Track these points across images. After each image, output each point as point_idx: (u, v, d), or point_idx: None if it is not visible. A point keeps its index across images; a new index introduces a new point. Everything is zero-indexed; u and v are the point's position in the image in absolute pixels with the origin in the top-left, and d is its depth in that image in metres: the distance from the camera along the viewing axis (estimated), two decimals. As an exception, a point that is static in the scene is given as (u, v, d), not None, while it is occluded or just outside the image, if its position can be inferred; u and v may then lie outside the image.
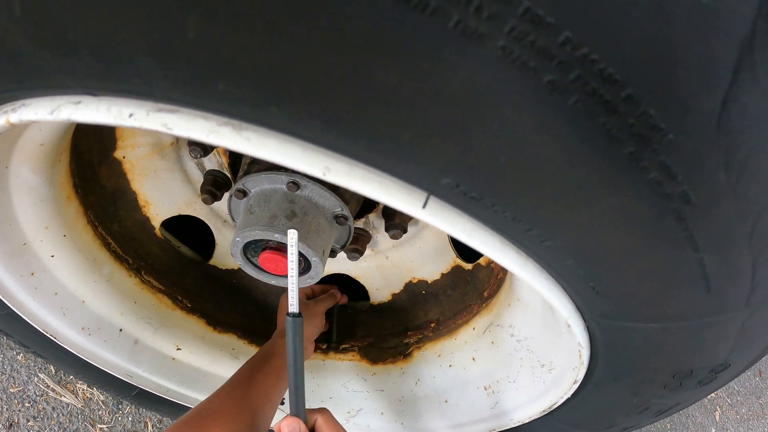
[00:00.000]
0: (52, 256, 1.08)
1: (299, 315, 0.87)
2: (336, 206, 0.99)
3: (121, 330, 1.24)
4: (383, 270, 1.33)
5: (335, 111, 0.44)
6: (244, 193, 0.98)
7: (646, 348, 0.80)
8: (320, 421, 0.91)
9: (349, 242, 1.10)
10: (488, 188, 0.50)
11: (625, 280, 0.63)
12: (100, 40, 0.43)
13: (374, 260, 1.31)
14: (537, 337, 1.06)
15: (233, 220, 1.05)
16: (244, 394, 0.99)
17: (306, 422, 0.89)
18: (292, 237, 0.85)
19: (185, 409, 1.38)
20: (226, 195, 1.15)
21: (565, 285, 0.68)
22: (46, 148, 0.85)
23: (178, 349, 1.29)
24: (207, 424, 0.93)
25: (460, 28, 0.38)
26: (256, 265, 1.00)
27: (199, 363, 1.31)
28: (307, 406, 0.90)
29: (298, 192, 0.96)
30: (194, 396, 1.34)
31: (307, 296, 1.34)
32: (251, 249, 0.97)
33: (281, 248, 0.95)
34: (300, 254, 0.95)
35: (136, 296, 1.24)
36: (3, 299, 1.09)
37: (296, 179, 0.94)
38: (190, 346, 1.30)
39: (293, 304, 0.86)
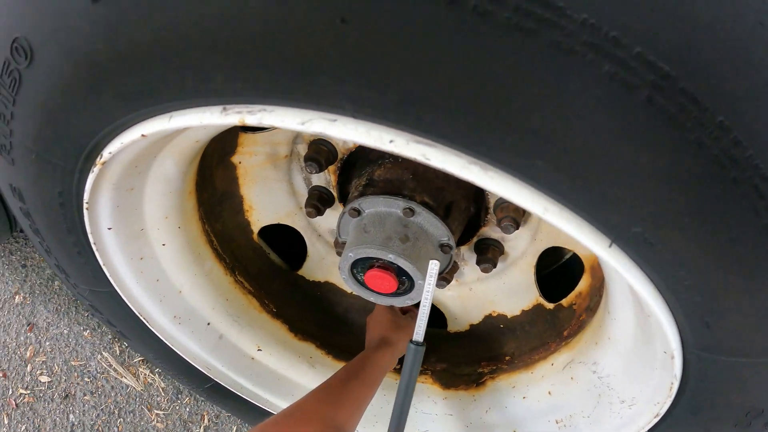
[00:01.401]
0: (164, 245, 1.13)
1: (423, 344, 0.88)
2: (444, 235, 1.03)
3: (209, 324, 1.28)
4: (465, 300, 1.36)
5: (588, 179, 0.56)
6: (358, 213, 1.02)
7: (733, 383, 0.84)
8: None
9: (446, 271, 1.13)
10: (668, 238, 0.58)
11: (738, 316, 0.70)
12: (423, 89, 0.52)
13: (458, 290, 1.34)
14: (620, 374, 1.09)
15: (339, 235, 1.09)
16: (336, 401, 1.02)
17: None
18: (433, 267, 0.89)
19: (253, 407, 1.41)
20: (328, 211, 1.20)
21: (682, 319, 0.73)
22: (197, 146, 0.89)
23: (259, 349, 1.33)
24: (297, 425, 0.96)
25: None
26: (359, 281, 1.04)
27: (276, 366, 1.35)
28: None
29: (412, 218, 0.99)
30: (266, 397, 1.38)
31: (403, 311, 1.37)
32: (359, 265, 1.01)
33: (388, 268, 0.99)
34: (406, 275, 0.99)
35: (228, 294, 1.28)
36: (109, 278, 1.14)
37: (412, 206, 0.98)
38: (270, 349, 1.34)
39: (420, 333, 0.88)
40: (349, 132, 0.57)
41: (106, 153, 0.77)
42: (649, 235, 0.60)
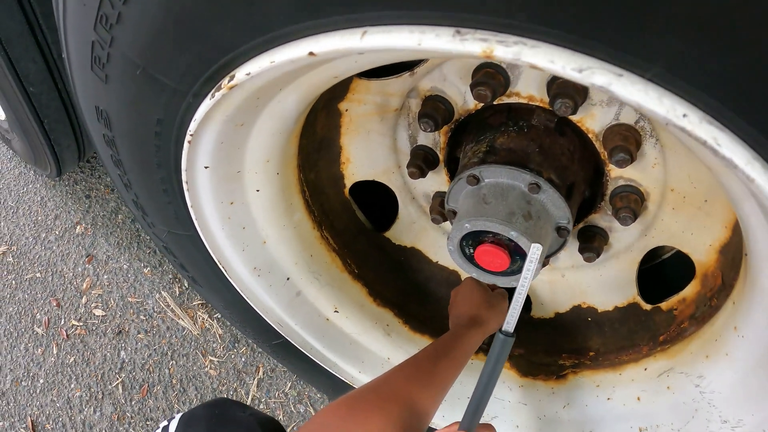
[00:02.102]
0: (258, 191, 1.07)
1: (513, 335, 0.83)
2: (564, 218, 0.96)
3: (288, 279, 1.23)
4: (555, 286, 1.29)
5: None
6: (477, 180, 0.95)
7: None
8: None
9: (554, 254, 1.05)
10: None
11: None
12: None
13: (549, 275, 1.27)
14: (729, 393, 1.01)
15: (448, 202, 1.02)
16: (425, 380, 0.96)
17: None
18: (534, 252, 0.82)
19: (318, 369, 1.37)
20: (430, 174, 1.13)
21: None
22: (329, 83, 0.81)
23: (335, 311, 1.28)
24: (383, 402, 0.90)
25: None
26: (466, 255, 0.97)
27: (351, 330, 1.30)
28: None
29: (536, 195, 0.92)
30: (334, 360, 1.33)
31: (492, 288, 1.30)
32: (471, 238, 0.94)
33: (503, 245, 0.91)
34: (521, 255, 0.92)
35: (313, 249, 1.23)
36: (195, 221, 1.09)
37: (539, 182, 0.91)
38: (347, 311, 1.29)
39: (511, 323, 0.82)
40: (636, 93, 0.49)
41: (242, 74, 0.67)
42: None
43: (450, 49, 0.49)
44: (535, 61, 0.48)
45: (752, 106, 0.48)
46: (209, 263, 1.19)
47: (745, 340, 0.94)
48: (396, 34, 0.51)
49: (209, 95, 0.74)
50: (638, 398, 1.18)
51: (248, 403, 1.84)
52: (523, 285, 0.82)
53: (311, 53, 0.57)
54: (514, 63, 0.51)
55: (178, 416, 1.05)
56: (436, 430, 0.88)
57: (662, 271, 1.41)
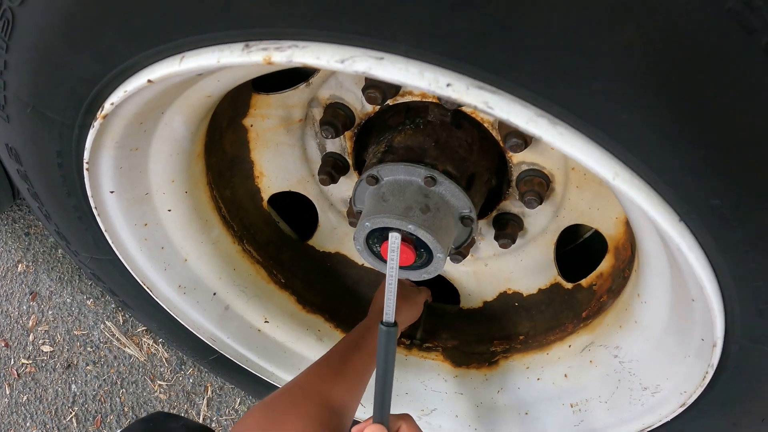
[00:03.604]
0: (169, 211, 1.08)
1: (394, 325, 0.84)
2: (465, 207, 0.98)
3: (215, 294, 1.24)
4: (479, 276, 1.31)
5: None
6: (376, 180, 0.97)
7: (768, 375, 0.79)
8: (404, 429, 0.87)
9: (464, 245, 1.08)
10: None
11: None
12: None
13: (473, 266, 1.29)
14: (645, 360, 1.04)
15: (354, 204, 1.04)
16: (335, 376, 0.98)
17: (389, 429, 0.86)
18: (394, 241, 0.84)
19: (258, 380, 1.38)
20: (342, 179, 1.15)
21: (736, 306, 0.68)
22: (208, 102, 0.84)
23: (266, 321, 1.29)
24: (295, 405, 0.92)
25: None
26: (374, 252, 0.99)
27: (283, 338, 1.31)
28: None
29: (433, 188, 0.95)
30: (272, 370, 1.34)
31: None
32: (376, 235, 0.96)
33: (407, 239, 0.94)
34: (425, 247, 0.94)
35: (236, 263, 1.24)
36: (111, 245, 1.10)
37: (435, 175, 0.93)
38: (278, 321, 1.30)
39: (389, 313, 0.83)
40: (397, 73, 0.50)
41: (108, 104, 0.71)
42: (727, 210, 0.55)
43: (241, 61, 0.53)
44: (305, 60, 0.52)
45: (517, 66, 0.49)
46: (135, 286, 1.20)
47: (647, 306, 0.98)
48: (203, 55, 0.54)
49: (92, 125, 0.77)
50: (565, 375, 1.20)
51: (201, 422, 1.84)
52: (390, 274, 0.83)
53: (149, 80, 0.62)
54: (289, 65, 0.54)
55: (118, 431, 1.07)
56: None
57: (584, 250, 1.45)
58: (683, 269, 0.69)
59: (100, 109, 0.73)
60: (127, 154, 0.90)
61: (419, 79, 0.50)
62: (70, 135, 0.84)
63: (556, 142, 0.51)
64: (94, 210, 1.01)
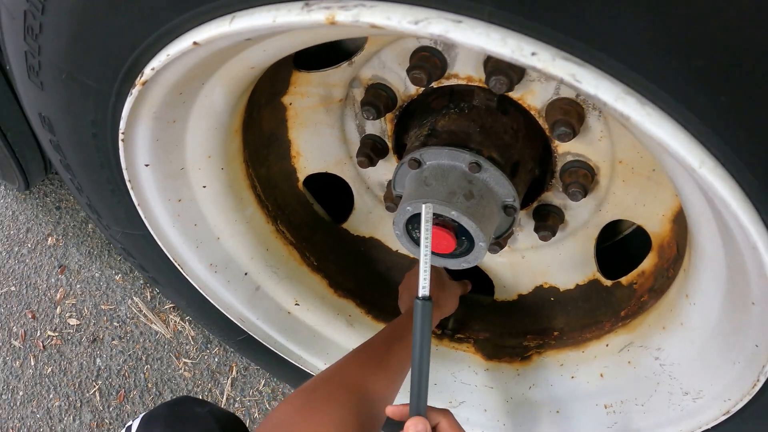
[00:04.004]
0: (204, 187, 1.06)
1: (429, 299, 0.79)
2: (509, 196, 0.95)
3: (246, 274, 1.22)
4: (516, 268, 1.28)
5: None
6: (418, 164, 0.94)
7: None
8: (444, 425, 0.83)
9: (504, 235, 1.05)
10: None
11: None
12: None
13: (509, 257, 1.26)
14: (688, 364, 1.01)
15: (394, 188, 1.02)
16: (378, 365, 0.95)
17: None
18: (428, 212, 0.81)
19: (285, 363, 1.36)
20: (380, 162, 1.12)
21: None
22: (251, 74, 0.81)
23: (296, 304, 1.27)
24: (336, 392, 0.89)
25: None
26: (413, 238, 0.97)
27: (313, 322, 1.30)
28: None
29: (477, 174, 0.92)
30: (299, 353, 1.32)
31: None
32: (416, 221, 0.93)
33: (448, 226, 0.91)
34: (467, 235, 0.91)
35: (269, 244, 1.22)
36: (144, 219, 1.08)
37: (480, 161, 0.90)
38: (308, 304, 1.29)
39: (425, 286, 0.79)
40: (477, 38, 0.46)
41: (149, 70, 0.68)
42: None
43: (300, 20, 0.50)
44: (373, 20, 0.49)
45: (613, 38, 0.46)
46: (165, 262, 1.19)
47: (696, 308, 0.94)
48: (257, 15, 0.52)
49: (130, 93, 0.75)
50: (601, 375, 1.17)
51: (223, 403, 1.83)
52: (425, 245, 0.80)
53: (195, 43, 0.59)
54: (356, 25, 0.51)
55: (141, 415, 1.06)
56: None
57: (624, 247, 1.41)
58: (749, 270, 0.65)
59: (140, 75, 0.71)
60: (165, 126, 0.88)
61: (501, 45, 0.47)
62: (106, 103, 0.82)
63: (644, 123, 0.48)
64: (127, 183, 1.00)
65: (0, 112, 1.66)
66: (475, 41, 0.47)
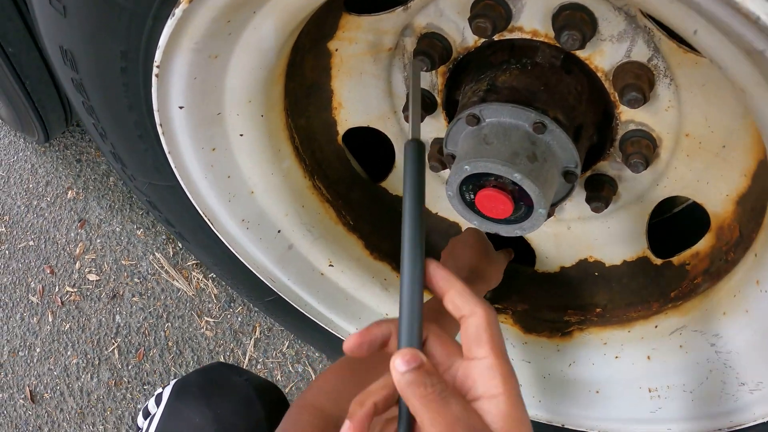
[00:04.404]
0: (241, 135, 1.00)
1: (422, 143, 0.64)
2: (572, 161, 0.90)
3: (279, 231, 1.17)
4: (560, 239, 1.22)
5: None
6: (477, 120, 0.88)
7: None
8: (432, 340, 0.64)
9: (558, 203, 0.99)
10: None
11: None
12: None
13: (554, 227, 1.21)
14: (748, 354, 0.95)
15: (446, 146, 0.95)
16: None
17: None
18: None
19: (314, 326, 1.32)
20: (428, 119, 1.06)
21: None
22: (306, 9, 0.73)
23: (330, 265, 1.22)
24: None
25: None
26: (466, 201, 0.90)
27: (347, 284, 1.25)
28: None
29: (542, 135, 0.86)
30: (330, 317, 1.28)
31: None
32: (472, 182, 0.87)
33: (506, 189, 0.85)
34: (526, 200, 0.85)
35: (305, 200, 1.16)
36: (174, 169, 1.03)
37: (545, 121, 0.85)
38: (343, 265, 1.24)
39: (415, 129, 0.66)
40: None
41: None
42: None
43: None
44: None
45: None
46: (194, 216, 1.13)
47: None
48: None
49: (170, 15, 0.67)
50: (648, 357, 1.12)
51: (245, 364, 1.80)
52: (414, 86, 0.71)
53: None
54: None
55: (173, 382, 1.02)
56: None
57: (674, 224, 1.35)
58: None
59: None
60: (205, 61, 0.81)
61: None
62: (140, 29, 0.74)
63: None
64: (158, 127, 0.93)
65: (19, 59, 1.61)
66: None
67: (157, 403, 0.99)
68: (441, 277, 0.60)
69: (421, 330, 0.59)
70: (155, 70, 0.78)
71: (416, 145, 0.64)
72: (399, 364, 0.55)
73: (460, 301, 0.59)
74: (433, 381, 0.53)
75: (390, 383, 0.56)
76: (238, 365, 1.45)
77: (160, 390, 1.00)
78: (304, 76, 1.05)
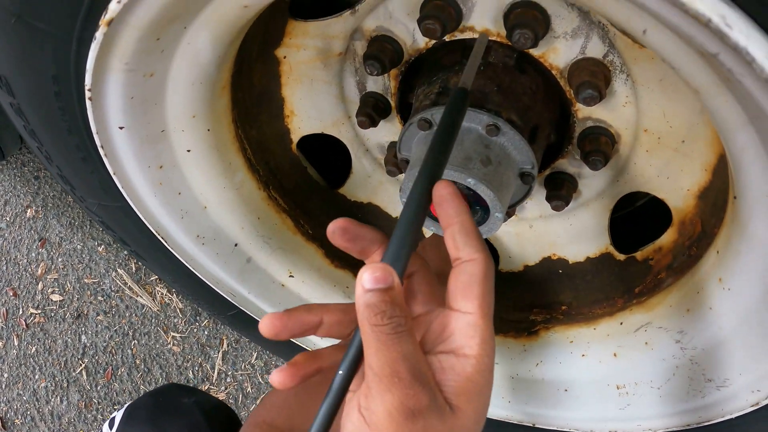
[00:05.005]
0: (188, 151, 0.98)
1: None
2: (528, 162, 0.89)
3: (236, 245, 1.14)
4: (522, 238, 1.22)
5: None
6: (429, 125, 0.86)
7: None
8: (417, 277, 0.63)
9: (516, 204, 0.97)
10: None
11: None
12: None
13: (516, 226, 1.20)
14: (714, 351, 0.95)
15: (400, 150, 0.93)
16: None
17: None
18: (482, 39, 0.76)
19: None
20: (381, 123, 1.04)
21: None
22: (242, 17, 0.71)
23: (290, 276, 1.20)
24: None
25: None
26: (421, 207, 0.89)
27: (309, 295, 1.23)
28: None
29: (495, 137, 0.84)
30: (294, 330, 1.25)
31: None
32: (425, 187, 0.85)
33: (462, 194, 0.83)
34: (481, 205, 0.84)
35: (260, 212, 1.14)
36: (122, 189, 1.00)
37: (499, 123, 0.83)
38: (303, 275, 1.21)
39: (468, 78, 0.65)
40: None
41: (114, 4, 0.58)
42: None
43: None
44: None
45: None
46: (147, 235, 1.10)
47: (731, 293, 0.88)
48: None
49: (93, 38, 0.65)
50: (615, 354, 1.12)
51: (214, 378, 1.77)
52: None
53: None
54: None
55: (126, 405, 1.00)
56: None
57: (637, 219, 1.35)
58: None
59: (104, 12, 0.60)
60: (141, 80, 0.78)
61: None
62: (67, 52, 0.71)
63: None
64: (100, 149, 0.90)
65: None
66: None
67: (111, 426, 0.97)
68: (453, 204, 0.54)
69: (409, 256, 0.53)
70: (87, 94, 0.76)
71: (462, 92, 0.63)
72: (366, 279, 0.48)
73: (462, 239, 0.53)
74: (393, 312, 0.48)
75: (348, 309, 0.53)
76: (191, 386, 1.42)
77: (114, 414, 0.98)
78: (252, 85, 1.02)
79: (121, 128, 0.85)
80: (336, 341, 0.64)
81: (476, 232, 0.54)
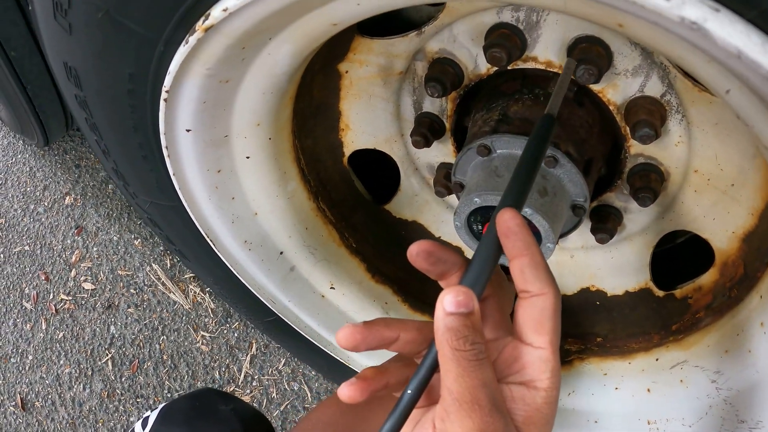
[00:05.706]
0: (248, 158, 0.99)
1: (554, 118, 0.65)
2: (581, 195, 0.90)
3: (281, 253, 1.16)
4: (562, 268, 1.22)
5: None
6: (488, 151, 0.87)
7: None
8: (491, 303, 0.64)
9: (567, 234, 0.98)
10: None
11: None
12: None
13: (557, 256, 1.20)
14: (750, 393, 0.94)
15: (454, 174, 0.95)
16: None
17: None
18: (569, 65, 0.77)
19: (312, 348, 1.31)
20: (435, 143, 1.05)
21: None
22: (328, 32, 0.72)
23: (331, 287, 1.21)
24: None
25: None
26: (474, 232, 0.90)
27: (347, 307, 1.24)
28: None
29: (553, 169, 0.86)
30: (330, 339, 1.27)
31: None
32: (480, 214, 0.87)
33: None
34: (537, 234, 0.85)
35: (309, 222, 1.15)
36: (178, 190, 1.02)
37: (557, 155, 0.84)
38: (344, 288, 1.22)
39: (555, 105, 0.67)
40: (737, 36, 0.38)
41: (218, 11, 0.58)
42: None
43: None
44: None
45: None
46: (196, 236, 1.12)
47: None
48: None
49: (183, 41, 0.65)
50: (648, 390, 1.11)
51: (240, 380, 1.78)
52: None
53: None
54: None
55: (160, 406, 1.00)
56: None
57: (678, 255, 1.34)
58: None
59: (204, 18, 0.61)
60: (216, 85, 0.80)
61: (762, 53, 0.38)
62: (151, 53, 0.72)
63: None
64: (164, 150, 0.92)
65: (21, 63, 1.60)
66: (733, 39, 0.39)
67: (144, 425, 0.97)
68: (521, 235, 0.54)
69: (488, 281, 0.54)
70: (164, 95, 0.77)
71: (549, 118, 0.64)
72: (447, 302, 0.49)
73: (532, 272, 0.53)
74: (475, 338, 0.49)
75: (424, 328, 0.52)
76: (229, 392, 1.44)
77: (147, 413, 0.98)
78: (312, 96, 1.04)
79: (188, 131, 0.87)
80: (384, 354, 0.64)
81: (545, 266, 0.55)
